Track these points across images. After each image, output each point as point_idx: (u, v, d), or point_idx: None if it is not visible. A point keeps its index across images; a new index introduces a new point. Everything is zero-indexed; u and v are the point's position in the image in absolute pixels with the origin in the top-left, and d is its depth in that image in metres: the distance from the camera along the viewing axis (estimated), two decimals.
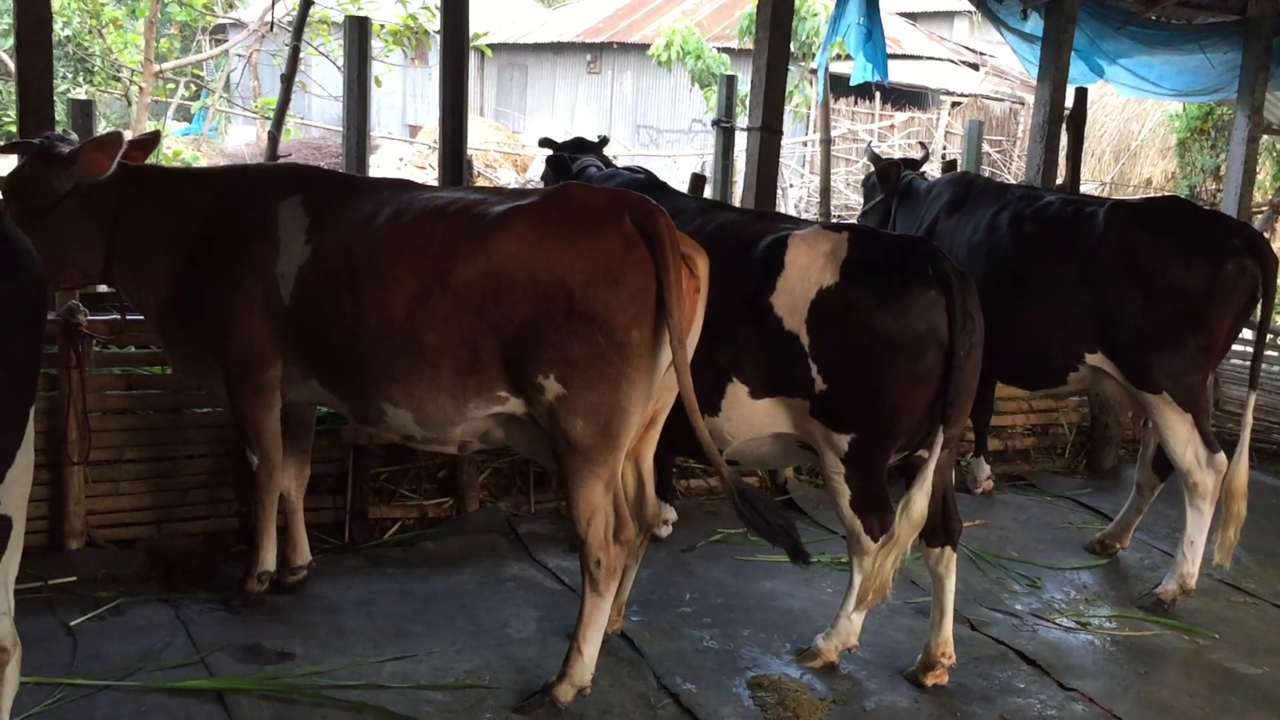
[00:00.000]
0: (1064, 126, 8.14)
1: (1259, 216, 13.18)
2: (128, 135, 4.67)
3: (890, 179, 7.11)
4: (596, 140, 6.81)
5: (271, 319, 4.45)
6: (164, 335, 4.77)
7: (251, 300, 4.44)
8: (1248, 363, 8.15)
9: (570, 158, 6.45)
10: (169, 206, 4.66)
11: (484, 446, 4.51)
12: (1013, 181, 14.07)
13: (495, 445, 4.50)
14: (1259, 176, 14.70)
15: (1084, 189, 12.76)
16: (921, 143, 9.26)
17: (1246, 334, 6.12)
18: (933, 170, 9.14)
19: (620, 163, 6.94)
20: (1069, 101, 8.20)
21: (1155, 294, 5.39)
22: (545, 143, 6.82)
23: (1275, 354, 8.56)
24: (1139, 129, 19.91)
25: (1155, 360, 5.41)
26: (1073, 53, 8.27)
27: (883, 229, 6.99)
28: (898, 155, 7.46)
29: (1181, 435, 5.43)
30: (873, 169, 7.47)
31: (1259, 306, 5.50)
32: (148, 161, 5.05)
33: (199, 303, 4.55)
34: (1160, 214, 5.65)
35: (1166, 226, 5.52)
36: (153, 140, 5.03)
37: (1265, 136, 12.62)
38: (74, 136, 4.75)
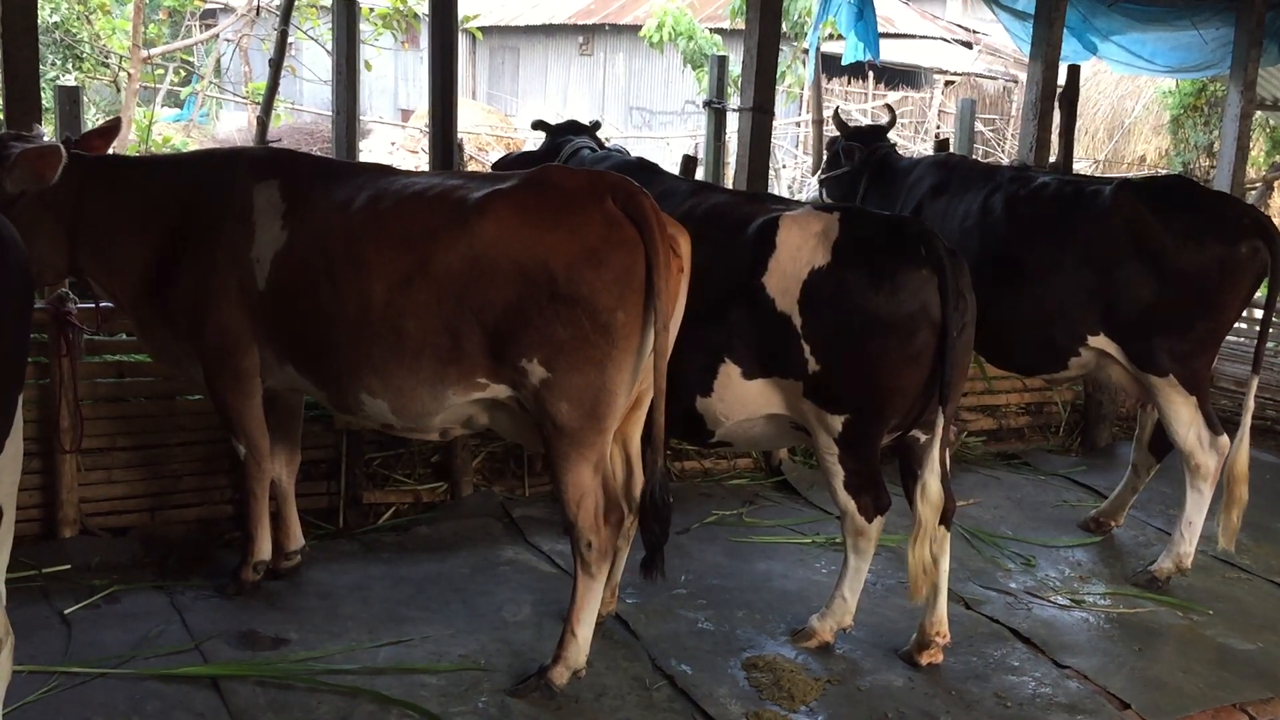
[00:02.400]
0: (1057, 104, 8.12)
1: (1252, 192, 13.18)
2: (101, 122, 4.60)
3: (854, 157, 6.97)
4: (589, 124, 6.78)
5: (246, 305, 4.40)
6: (139, 324, 4.73)
7: (226, 286, 4.40)
8: (1242, 340, 8.18)
9: (563, 140, 6.41)
10: (140, 194, 4.59)
11: (466, 432, 4.49)
12: (1005, 161, 14.05)
13: (479, 430, 4.49)
14: (1252, 152, 14.71)
15: (1078, 167, 12.73)
16: (888, 105, 9.15)
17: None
18: (925, 147, 9.09)
19: (612, 145, 6.90)
20: (1062, 79, 8.17)
21: (1166, 275, 5.30)
22: (539, 125, 6.78)
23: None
24: (1132, 106, 19.87)
25: (1162, 343, 5.33)
26: (1065, 30, 8.23)
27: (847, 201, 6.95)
28: (890, 134, 7.35)
29: (1185, 417, 5.39)
30: (840, 136, 7.34)
31: (1265, 288, 5.45)
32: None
33: (174, 289, 4.50)
34: (1169, 194, 5.55)
35: (1176, 207, 5.42)
36: (114, 129, 4.95)
37: (1258, 112, 12.62)
38: (39, 131, 4.66)
